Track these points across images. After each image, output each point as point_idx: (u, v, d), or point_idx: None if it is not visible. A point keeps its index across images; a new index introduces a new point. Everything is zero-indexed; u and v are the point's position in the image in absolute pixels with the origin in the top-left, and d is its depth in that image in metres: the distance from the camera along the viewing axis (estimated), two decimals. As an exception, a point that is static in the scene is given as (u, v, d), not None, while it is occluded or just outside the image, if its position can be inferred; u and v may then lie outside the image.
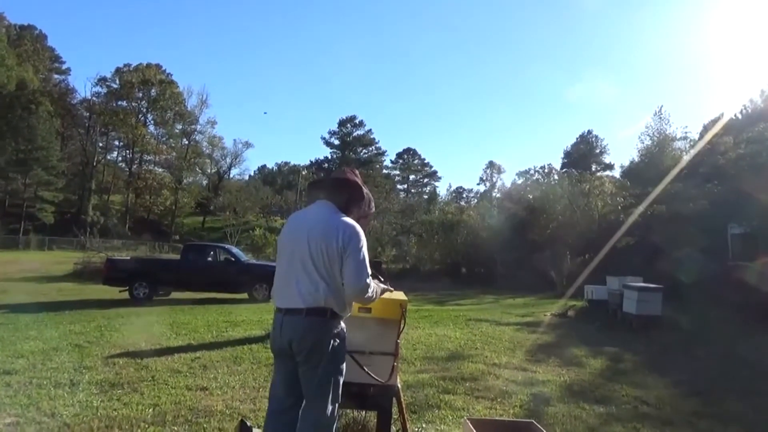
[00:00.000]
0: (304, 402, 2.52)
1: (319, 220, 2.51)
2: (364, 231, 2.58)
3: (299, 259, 2.47)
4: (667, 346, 7.92)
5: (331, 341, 2.46)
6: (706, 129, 29.70)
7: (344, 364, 2.58)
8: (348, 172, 2.76)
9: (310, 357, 2.44)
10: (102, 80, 58.37)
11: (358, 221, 2.57)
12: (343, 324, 2.56)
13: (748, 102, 29.71)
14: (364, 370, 2.78)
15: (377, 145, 71.38)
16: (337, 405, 2.54)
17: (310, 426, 2.46)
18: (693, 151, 24.09)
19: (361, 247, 2.45)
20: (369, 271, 2.49)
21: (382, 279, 2.96)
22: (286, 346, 2.46)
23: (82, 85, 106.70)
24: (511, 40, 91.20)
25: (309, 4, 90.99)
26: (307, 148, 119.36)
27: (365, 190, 2.70)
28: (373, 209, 2.81)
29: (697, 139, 28.26)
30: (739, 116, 27.90)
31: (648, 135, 31.48)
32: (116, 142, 62.63)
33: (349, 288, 2.43)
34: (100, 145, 58.72)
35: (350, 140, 69.82)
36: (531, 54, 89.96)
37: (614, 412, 4.47)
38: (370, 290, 2.48)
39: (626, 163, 34.64)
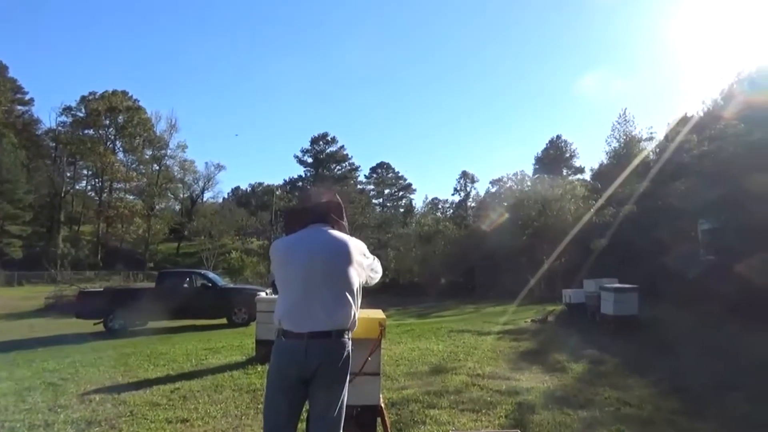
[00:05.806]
0: (315, 421, 2.52)
1: (326, 243, 2.61)
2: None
3: (320, 283, 2.51)
4: (645, 346, 8.05)
5: (349, 359, 2.56)
6: (670, 128, 30.44)
7: None
8: (326, 193, 2.85)
9: (335, 378, 2.49)
10: (67, 109, 57.29)
11: (341, 230, 2.76)
12: None
13: (710, 101, 30.55)
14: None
15: (351, 161, 71.43)
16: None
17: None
18: (651, 146, 24.85)
19: (367, 251, 2.81)
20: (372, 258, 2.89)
21: None
22: (312, 370, 2.44)
23: (47, 115, 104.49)
24: (475, 49, 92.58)
25: (272, 23, 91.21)
26: (280, 168, 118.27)
27: (340, 201, 2.83)
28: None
29: (662, 138, 28.99)
30: (701, 114, 28.67)
31: (615, 137, 32.29)
32: (85, 172, 61.31)
33: (378, 277, 2.96)
34: (68, 175, 57.36)
35: (323, 157, 69.75)
36: (496, 61, 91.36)
37: (597, 415, 4.52)
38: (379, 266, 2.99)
39: (596, 166, 35.42)
